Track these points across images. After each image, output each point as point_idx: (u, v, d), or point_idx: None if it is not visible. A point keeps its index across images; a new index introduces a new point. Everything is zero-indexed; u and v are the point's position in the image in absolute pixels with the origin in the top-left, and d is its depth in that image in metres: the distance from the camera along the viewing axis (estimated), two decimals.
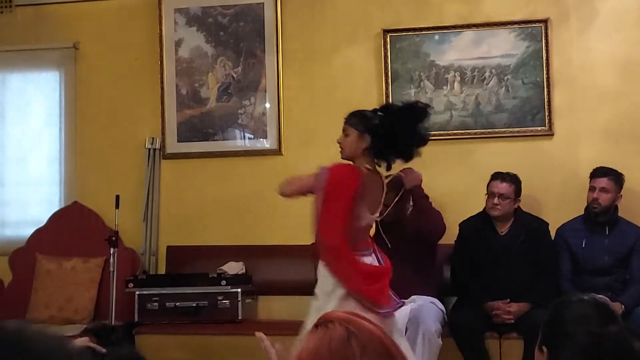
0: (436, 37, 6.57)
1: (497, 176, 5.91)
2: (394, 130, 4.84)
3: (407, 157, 4.99)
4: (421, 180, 5.81)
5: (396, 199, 5.81)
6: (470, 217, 6.02)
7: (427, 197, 5.89)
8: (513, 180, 5.89)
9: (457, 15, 6.54)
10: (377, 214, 5.09)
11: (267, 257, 6.68)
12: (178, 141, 6.94)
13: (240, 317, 6.21)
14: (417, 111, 4.95)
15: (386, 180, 5.14)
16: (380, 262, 4.93)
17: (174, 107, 6.94)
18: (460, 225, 6.02)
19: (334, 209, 4.82)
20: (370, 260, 4.91)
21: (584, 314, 2.42)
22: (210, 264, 6.50)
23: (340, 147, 4.94)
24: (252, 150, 6.85)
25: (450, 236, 6.08)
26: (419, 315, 5.59)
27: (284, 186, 5.08)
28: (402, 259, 5.85)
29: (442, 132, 6.51)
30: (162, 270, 6.88)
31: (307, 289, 6.49)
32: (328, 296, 4.86)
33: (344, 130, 4.92)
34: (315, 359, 1.79)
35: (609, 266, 5.80)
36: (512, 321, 5.65)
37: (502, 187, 5.86)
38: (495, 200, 5.84)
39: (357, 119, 4.90)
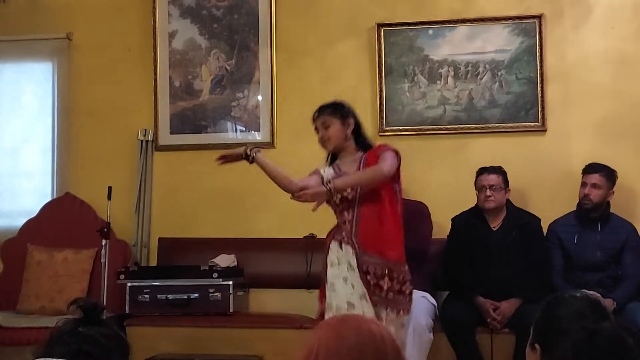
0: (430, 31, 6.57)
1: (483, 170, 5.96)
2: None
3: None
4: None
5: None
6: (463, 212, 6.03)
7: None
8: (499, 170, 5.94)
9: (452, 10, 6.55)
10: None
11: (259, 249, 6.68)
12: (170, 133, 6.93)
13: (231, 310, 6.20)
14: None
15: None
16: None
17: (167, 99, 6.93)
18: (452, 220, 6.03)
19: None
20: None
21: (577, 310, 2.42)
22: (202, 256, 6.48)
23: (325, 141, 4.93)
24: (244, 143, 6.79)
25: (442, 231, 6.09)
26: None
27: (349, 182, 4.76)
28: None
29: (435, 126, 6.53)
30: (153, 262, 6.87)
31: (298, 282, 6.54)
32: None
33: (322, 123, 4.91)
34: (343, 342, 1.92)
35: (601, 262, 5.80)
36: (503, 324, 5.67)
37: (491, 178, 5.89)
38: (488, 192, 5.85)
39: (332, 109, 4.93)
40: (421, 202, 6.19)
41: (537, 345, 2.43)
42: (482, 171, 5.95)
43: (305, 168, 6.65)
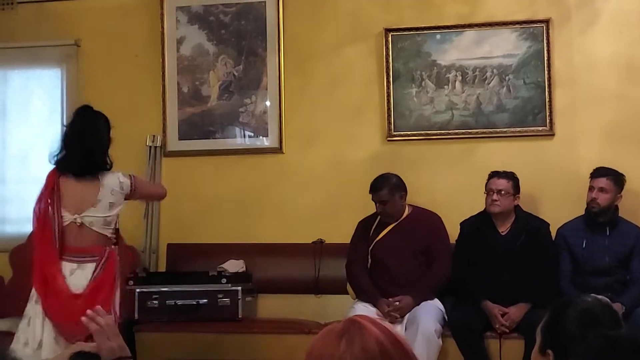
0: (438, 36, 6.57)
1: (494, 174, 5.96)
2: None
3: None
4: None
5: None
6: (471, 216, 6.03)
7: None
8: (510, 176, 5.93)
9: (459, 15, 6.54)
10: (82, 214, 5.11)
11: (268, 255, 6.68)
12: (179, 139, 6.94)
13: (240, 316, 6.20)
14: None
15: None
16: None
17: (175, 105, 6.94)
18: (461, 224, 6.03)
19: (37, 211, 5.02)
20: (70, 268, 4.98)
21: (591, 315, 2.41)
22: (211, 262, 6.49)
23: None
24: (253, 149, 6.85)
25: (451, 236, 6.08)
26: (418, 315, 5.60)
27: None
28: (403, 257, 5.86)
29: (443, 131, 6.52)
30: (162, 268, 6.88)
31: (307, 287, 6.54)
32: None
33: None
34: (312, 349, 1.87)
35: (609, 267, 5.80)
36: (511, 329, 5.66)
37: (500, 183, 5.89)
38: (495, 196, 5.85)
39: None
40: (434, 213, 6.15)
41: (549, 351, 2.41)
42: (493, 175, 5.95)
43: (313, 173, 6.70)
